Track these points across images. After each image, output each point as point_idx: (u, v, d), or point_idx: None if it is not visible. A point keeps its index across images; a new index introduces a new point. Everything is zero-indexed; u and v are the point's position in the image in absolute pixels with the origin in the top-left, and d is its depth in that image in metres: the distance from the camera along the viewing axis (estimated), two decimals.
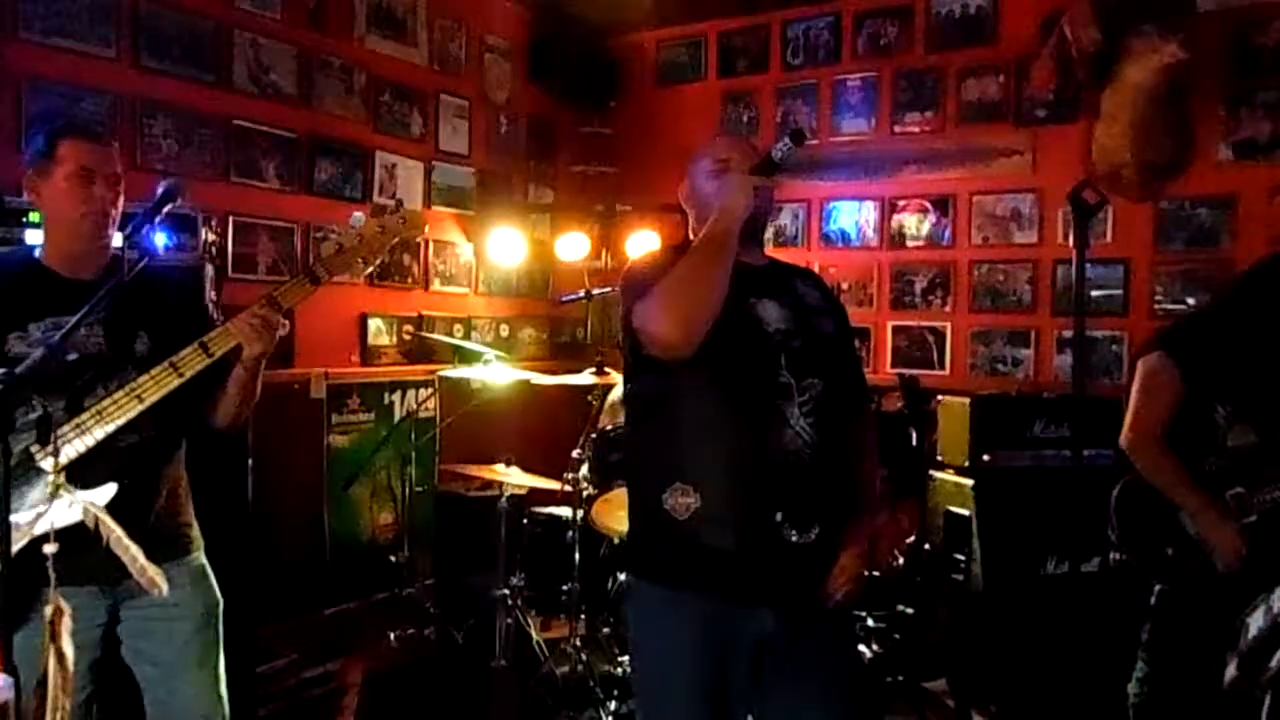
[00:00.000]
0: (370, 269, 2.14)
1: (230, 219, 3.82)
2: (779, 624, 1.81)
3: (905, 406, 3.70)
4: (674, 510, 1.81)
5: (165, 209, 1.88)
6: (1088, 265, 4.40)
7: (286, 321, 1.98)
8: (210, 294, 2.79)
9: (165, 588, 1.68)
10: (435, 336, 4.59)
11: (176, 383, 1.87)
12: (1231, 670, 2.13)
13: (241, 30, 3.87)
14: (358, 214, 2.07)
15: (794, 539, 1.78)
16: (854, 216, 5.01)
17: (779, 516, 1.77)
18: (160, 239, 2.57)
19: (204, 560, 2.14)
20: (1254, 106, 4.02)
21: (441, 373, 4.25)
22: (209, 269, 2.77)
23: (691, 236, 2.00)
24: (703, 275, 1.76)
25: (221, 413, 2.07)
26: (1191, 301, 4.19)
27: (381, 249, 2.08)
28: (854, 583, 1.85)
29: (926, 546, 3.74)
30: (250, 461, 2.87)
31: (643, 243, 4.93)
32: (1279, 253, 2.78)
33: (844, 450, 1.89)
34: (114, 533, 1.63)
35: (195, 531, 2.15)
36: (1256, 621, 2.07)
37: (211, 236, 2.80)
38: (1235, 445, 2.56)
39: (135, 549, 1.64)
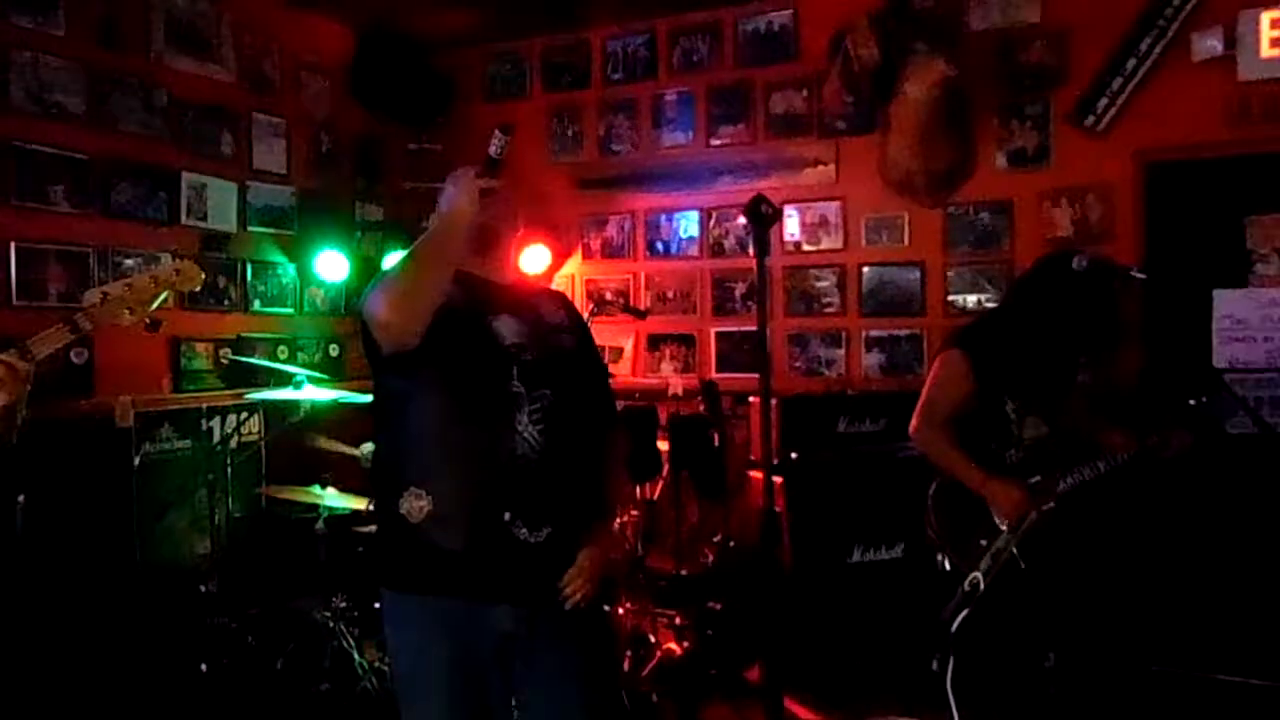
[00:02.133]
0: (139, 318, 2.07)
1: (12, 245, 3.66)
2: (519, 620, 1.89)
3: (707, 409, 3.84)
4: (409, 514, 1.88)
5: None
6: (888, 268, 4.71)
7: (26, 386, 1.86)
8: None
9: None
10: (249, 359, 4.49)
11: None
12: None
13: (19, 49, 3.72)
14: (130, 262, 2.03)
15: (524, 537, 1.87)
16: (676, 227, 5.17)
17: (507, 516, 1.86)
18: None
19: None
20: (1023, 119, 4.36)
21: (251, 395, 4.17)
22: None
23: None
24: (422, 264, 1.85)
25: None
26: (979, 298, 4.49)
27: (151, 299, 2.03)
28: (591, 583, 1.94)
29: (732, 544, 3.89)
30: (21, 498, 2.75)
31: None
32: (1046, 255, 2.99)
33: (577, 457, 1.97)
34: None
35: None
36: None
37: None
38: (1030, 437, 2.70)
39: None
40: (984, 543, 2.61)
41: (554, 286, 4.88)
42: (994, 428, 2.72)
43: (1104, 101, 4.14)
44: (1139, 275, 2.94)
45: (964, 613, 2.33)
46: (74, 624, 3.50)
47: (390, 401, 1.98)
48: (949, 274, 4.57)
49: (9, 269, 3.62)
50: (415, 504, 1.87)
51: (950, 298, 4.57)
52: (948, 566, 2.67)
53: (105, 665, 3.55)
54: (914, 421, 2.78)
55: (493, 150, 1.90)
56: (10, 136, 3.68)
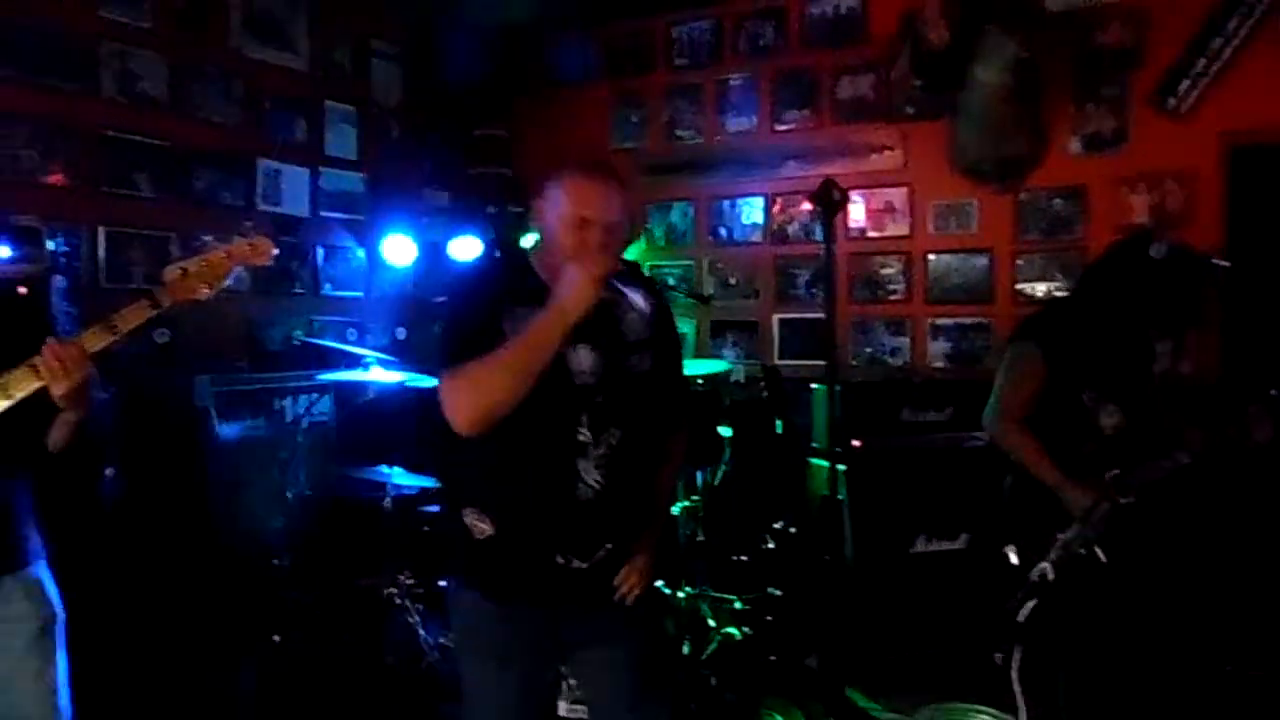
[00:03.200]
0: (215, 293, 2.13)
1: (101, 230, 3.81)
2: (575, 616, 1.93)
3: (769, 395, 3.82)
4: (471, 529, 1.90)
5: None
6: (956, 255, 4.63)
7: (93, 368, 1.92)
8: (64, 306, 2.78)
9: None
10: (320, 341, 4.61)
11: (4, 404, 1.86)
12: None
13: (109, 40, 3.86)
14: (208, 238, 2.09)
15: (575, 565, 1.89)
16: (739, 213, 5.15)
17: (560, 560, 1.87)
18: (2, 251, 2.58)
19: (41, 573, 2.13)
20: (1099, 101, 4.24)
21: (322, 377, 4.28)
22: (58, 280, 2.76)
23: (536, 262, 1.93)
24: (513, 379, 1.74)
25: (52, 437, 2.08)
26: (1049, 286, 4.39)
27: (226, 274, 2.09)
28: (644, 580, 1.97)
29: (793, 531, 3.87)
30: (110, 471, 2.88)
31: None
32: (1119, 240, 2.91)
33: (638, 491, 1.96)
34: None
35: (33, 544, 2.14)
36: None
37: (64, 247, 2.79)
38: (1107, 427, 2.62)
39: None
40: (1059, 536, 2.52)
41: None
42: (1070, 419, 2.63)
43: (1186, 83, 4.00)
44: (1221, 264, 2.83)
45: (1031, 603, 2.28)
46: (154, 593, 3.65)
47: None
48: (1019, 261, 4.47)
49: (98, 252, 3.77)
50: (478, 524, 1.89)
51: (1020, 286, 4.47)
52: (1014, 560, 2.62)
53: (184, 633, 3.70)
54: (987, 415, 2.71)
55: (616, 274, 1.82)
56: (101, 125, 3.84)
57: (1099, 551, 2.43)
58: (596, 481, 1.85)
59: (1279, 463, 2.95)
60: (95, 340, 1.91)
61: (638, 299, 1.98)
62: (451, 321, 1.92)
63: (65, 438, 2.06)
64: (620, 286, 1.95)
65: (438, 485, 3.67)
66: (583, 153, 2.00)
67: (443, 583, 3.42)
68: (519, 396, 1.73)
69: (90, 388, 1.94)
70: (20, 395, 1.86)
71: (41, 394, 1.87)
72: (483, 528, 1.88)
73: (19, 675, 2.04)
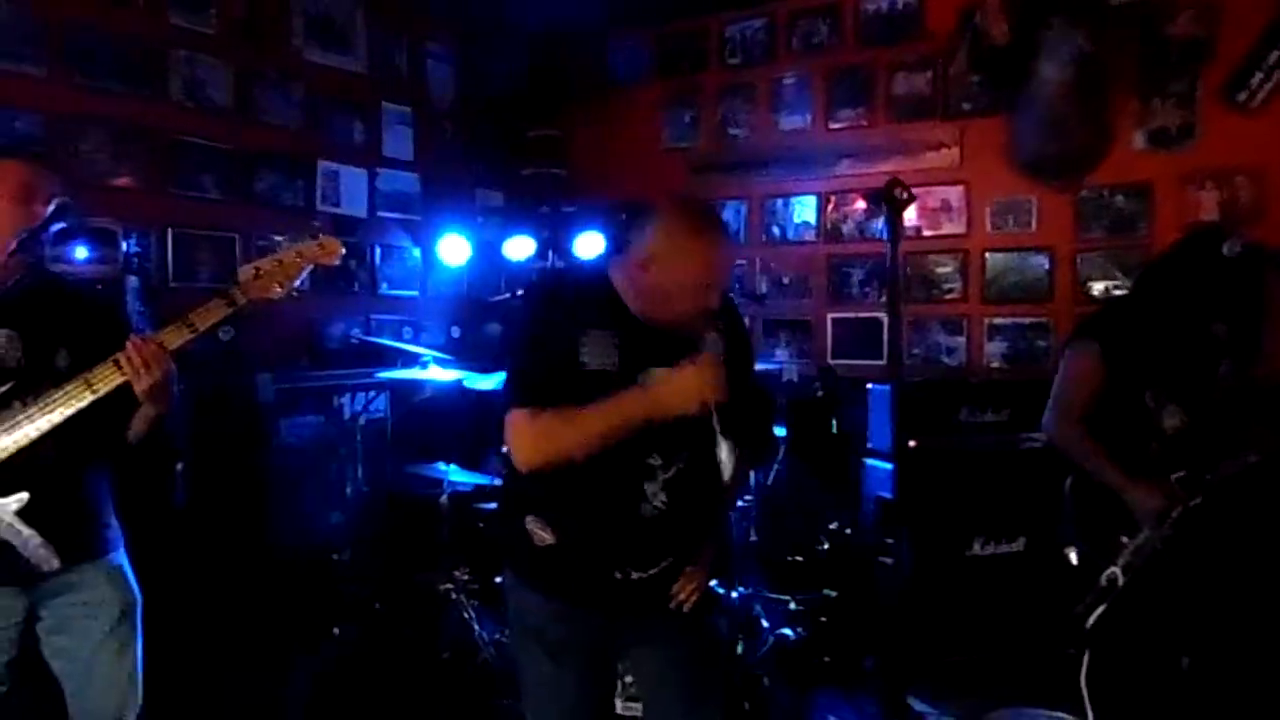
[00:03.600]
0: (287, 292, 2.19)
1: (169, 231, 3.92)
2: (631, 619, 1.94)
3: (824, 395, 3.80)
4: (532, 535, 1.89)
5: (55, 225, 1.97)
6: (1014, 254, 4.56)
7: (173, 364, 1.99)
8: (137, 305, 2.88)
9: (56, 562, 1.79)
10: (377, 339, 4.68)
11: (90, 398, 1.93)
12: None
13: (175, 47, 3.97)
14: (280, 239, 2.15)
15: (635, 578, 1.88)
16: (792, 211, 5.12)
17: (618, 575, 1.87)
18: (81, 252, 2.66)
19: (122, 560, 2.21)
20: (1165, 96, 4.13)
21: (382, 375, 4.35)
22: (131, 280, 2.85)
23: (620, 283, 1.84)
24: (586, 443, 1.73)
25: (133, 430, 2.15)
26: (1109, 285, 4.29)
27: (298, 273, 2.15)
28: (700, 588, 1.97)
29: (848, 531, 3.84)
30: (180, 465, 2.95)
31: (589, 243, 5.02)
32: (1182, 239, 2.84)
33: (701, 509, 1.95)
34: (3, 521, 1.73)
35: (113, 532, 2.22)
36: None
37: (135, 249, 2.87)
38: (1171, 427, 2.57)
39: (26, 530, 1.73)
40: (1125, 539, 2.49)
41: None
42: (1132, 419, 2.58)
43: (1259, 76, 3.89)
44: None
45: (1101, 608, 2.24)
46: (217, 586, 3.74)
47: None
48: (1080, 260, 4.38)
49: (166, 253, 3.87)
50: (539, 532, 1.88)
51: (1081, 285, 4.38)
52: (1074, 559, 2.57)
53: (245, 626, 3.79)
54: (1047, 415, 2.67)
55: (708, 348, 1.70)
56: (169, 129, 3.95)
57: (1167, 553, 2.38)
58: (662, 503, 1.83)
59: None
60: (174, 337, 1.98)
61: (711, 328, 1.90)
62: (526, 351, 1.87)
63: (144, 431, 2.14)
64: None
65: (495, 484, 3.70)
66: (695, 204, 1.85)
67: (499, 579, 3.46)
68: (587, 456, 1.72)
69: (171, 383, 2.00)
70: (104, 390, 1.93)
71: (124, 388, 1.94)
72: (544, 536, 1.88)
73: (99, 658, 2.12)
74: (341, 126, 4.71)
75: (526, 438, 1.78)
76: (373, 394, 4.71)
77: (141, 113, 3.86)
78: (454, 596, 3.72)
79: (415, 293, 5.14)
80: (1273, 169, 3.92)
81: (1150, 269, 2.89)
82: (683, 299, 1.75)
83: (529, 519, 1.89)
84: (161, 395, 1.99)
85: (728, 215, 5.30)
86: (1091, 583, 2.50)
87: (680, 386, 1.68)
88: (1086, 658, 2.14)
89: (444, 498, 3.90)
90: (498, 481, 3.64)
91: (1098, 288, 4.33)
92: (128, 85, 3.81)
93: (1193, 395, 2.60)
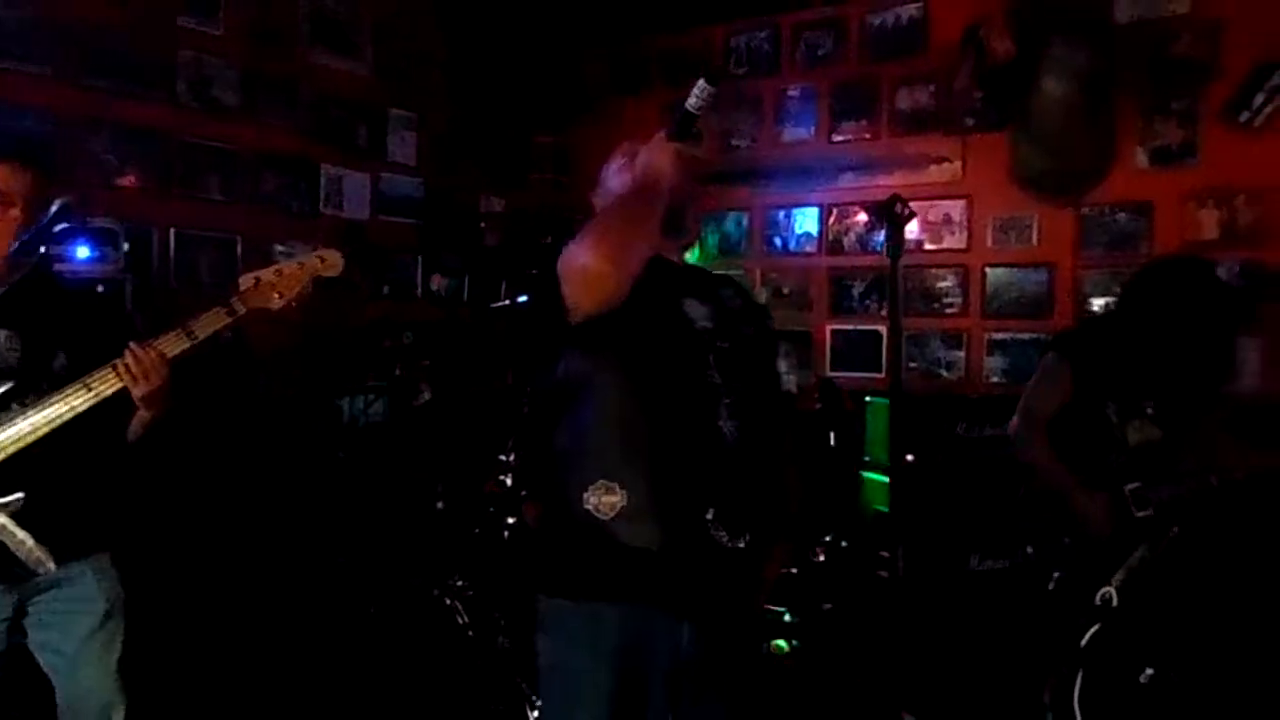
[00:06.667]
0: (286, 303, 2.18)
1: (172, 231, 3.93)
2: (694, 639, 1.74)
3: (824, 408, 3.80)
4: (597, 509, 1.70)
5: (57, 226, 1.97)
6: (1015, 269, 4.56)
7: (164, 370, 1.97)
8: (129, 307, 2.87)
9: (52, 565, 1.80)
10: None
11: (87, 403, 1.93)
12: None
13: (184, 48, 3.98)
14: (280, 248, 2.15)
15: (725, 542, 1.72)
16: (794, 223, 5.13)
17: (710, 514, 1.71)
18: (83, 252, 2.67)
19: (108, 558, 2.22)
20: (1167, 115, 4.15)
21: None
22: (128, 283, 2.85)
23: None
24: (632, 215, 1.67)
25: (130, 432, 2.15)
26: (1108, 302, 4.30)
27: (299, 285, 2.15)
28: (765, 600, 1.94)
29: (844, 544, 3.84)
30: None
31: None
32: (1161, 258, 2.89)
33: (768, 456, 1.86)
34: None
35: (104, 530, 2.22)
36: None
37: (136, 248, 2.88)
38: (1136, 441, 2.60)
39: (21, 533, 1.74)
40: (1066, 541, 2.55)
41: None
42: (1094, 431, 2.64)
43: (1261, 97, 3.90)
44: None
45: (1094, 628, 2.24)
46: (220, 584, 3.74)
47: (575, 382, 1.78)
48: (1080, 277, 4.39)
49: (169, 253, 3.88)
50: (606, 499, 1.69)
51: (1081, 301, 4.39)
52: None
53: (247, 623, 3.80)
54: (1013, 421, 2.73)
55: (691, 104, 1.61)
56: (176, 130, 3.96)
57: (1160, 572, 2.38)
58: (732, 433, 1.75)
59: None
60: (174, 345, 1.98)
61: (728, 289, 1.97)
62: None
63: (141, 433, 2.14)
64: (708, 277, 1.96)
65: (495, 484, 3.64)
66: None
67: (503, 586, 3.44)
68: (642, 242, 1.64)
69: (168, 390, 2.01)
70: (102, 395, 1.94)
71: (122, 392, 1.95)
72: (613, 500, 1.69)
73: (85, 655, 2.12)
74: (346, 130, 4.72)
75: (585, 241, 1.63)
76: (371, 398, 4.71)
77: (148, 113, 3.87)
78: (448, 602, 3.70)
79: (416, 298, 5.14)
80: (1274, 189, 3.93)
81: (1123, 291, 2.95)
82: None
83: (590, 492, 1.70)
84: (158, 402, 2.00)
85: (728, 226, 5.32)
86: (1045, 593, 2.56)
87: (647, 153, 1.70)
88: (1080, 678, 2.14)
89: (440, 503, 3.91)
90: (496, 482, 3.63)
91: (1098, 304, 4.33)
92: (135, 86, 3.82)
93: (1169, 411, 2.63)
